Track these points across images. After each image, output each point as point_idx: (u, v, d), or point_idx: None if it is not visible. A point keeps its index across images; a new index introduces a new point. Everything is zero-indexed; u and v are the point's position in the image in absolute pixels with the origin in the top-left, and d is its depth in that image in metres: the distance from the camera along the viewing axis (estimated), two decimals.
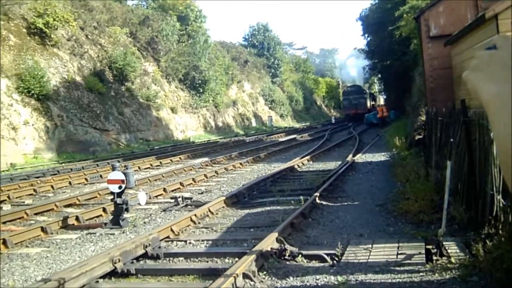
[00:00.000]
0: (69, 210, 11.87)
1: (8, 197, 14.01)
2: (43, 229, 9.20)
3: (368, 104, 64.78)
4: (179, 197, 11.56)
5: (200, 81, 49.52)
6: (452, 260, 5.99)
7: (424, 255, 6.29)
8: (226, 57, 63.19)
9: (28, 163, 24.73)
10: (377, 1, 42.34)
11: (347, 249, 6.80)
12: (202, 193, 13.20)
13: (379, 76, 63.60)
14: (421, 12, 14.35)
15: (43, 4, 31.72)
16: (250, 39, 79.48)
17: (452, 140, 7.51)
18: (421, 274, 5.74)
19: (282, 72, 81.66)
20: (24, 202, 13.64)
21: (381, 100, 77.95)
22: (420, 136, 15.62)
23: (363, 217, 9.02)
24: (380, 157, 19.04)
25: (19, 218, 10.93)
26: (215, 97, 53.27)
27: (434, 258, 6.18)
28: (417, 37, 19.04)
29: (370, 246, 6.89)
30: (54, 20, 31.71)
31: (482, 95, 0.88)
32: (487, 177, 6.53)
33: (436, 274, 5.68)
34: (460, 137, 7.88)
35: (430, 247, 6.46)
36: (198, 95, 50.00)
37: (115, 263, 6.39)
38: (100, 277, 6.17)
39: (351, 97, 62.80)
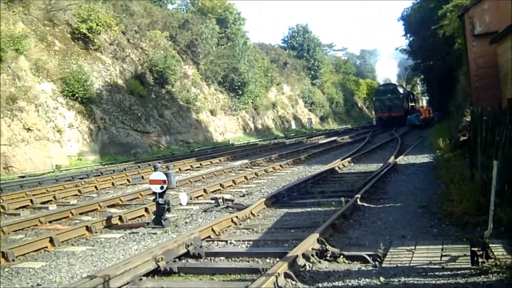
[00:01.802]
0: (113, 210, 12.10)
1: (54, 197, 14.39)
2: (87, 228, 9.41)
3: (405, 106, 55.95)
4: (220, 198, 11.62)
5: (239, 83, 49.77)
6: (499, 262, 5.82)
7: (469, 257, 6.13)
8: (265, 59, 63.30)
9: (72, 164, 25.33)
10: (419, 0, 41.69)
11: (390, 250, 6.70)
12: (243, 195, 13.19)
13: (422, 76, 62.12)
14: (465, 9, 14.04)
15: (86, 10, 32.48)
16: (289, 41, 79.34)
17: (498, 139, 7.31)
18: (466, 276, 5.59)
19: (322, 74, 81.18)
20: (69, 202, 13.97)
21: (423, 101, 75.03)
22: (465, 137, 15.26)
23: (405, 219, 8.86)
24: (423, 159, 18.70)
25: (65, 218, 11.22)
26: (254, 99, 53.40)
27: (480, 260, 6.01)
28: (461, 36, 18.62)
29: (413, 247, 6.77)
30: (97, 25, 32.41)
31: None
32: None
33: (482, 277, 5.53)
34: (506, 137, 7.66)
35: (475, 249, 6.27)
36: (237, 97, 50.25)
37: (158, 261, 6.48)
38: (144, 275, 6.27)
39: (384, 97, 54.00)
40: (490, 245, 6.29)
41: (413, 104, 62.68)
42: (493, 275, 5.53)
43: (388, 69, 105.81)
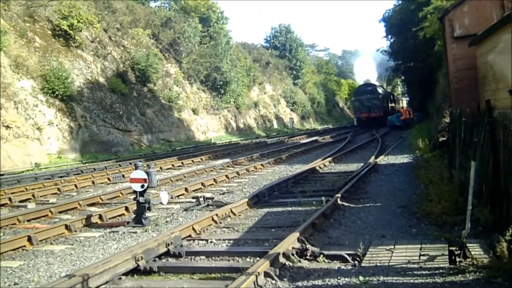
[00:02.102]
0: (93, 209, 12.00)
1: (33, 195, 14.24)
2: (67, 227, 9.32)
3: (385, 106, 55.02)
4: (201, 197, 11.60)
5: (221, 83, 49.69)
6: (476, 261, 5.90)
7: (447, 257, 6.21)
8: (247, 58, 63.35)
9: (52, 162, 25.07)
10: (400, 2, 42.05)
11: (369, 249, 6.76)
12: (223, 193, 13.22)
13: (402, 78, 62.47)
14: (445, 12, 14.20)
15: (68, 7, 32.18)
16: (272, 41, 79.53)
17: (476, 140, 7.41)
18: (444, 275, 5.66)
19: (304, 74, 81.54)
20: (48, 200, 13.82)
21: (404, 102, 75.47)
22: (444, 138, 15.44)
23: (385, 218, 8.95)
24: (403, 159, 18.88)
25: (44, 216, 11.12)
26: (236, 98, 53.37)
27: (458, 259, 6.09)
28: (441, 38, 18.83)
29: (392, 247, 6.83)
30: (78, 22, 32.16)
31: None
32: None
33: (460, 276, 5.61)
34: (484, 138, 7.77)
35: (453, 248, 6.37)
36: (219, 96, 50.16)
37: (138, 260, 6.45)
38: (123, 274, 6.23)
39: (364, 97, 53.28)
40: (468, 244, 6.39)
41: (393, 104, 62.03)
42: (470, 274, 5.61)
43: (366, 69, 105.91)
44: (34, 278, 6.58)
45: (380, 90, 56.04)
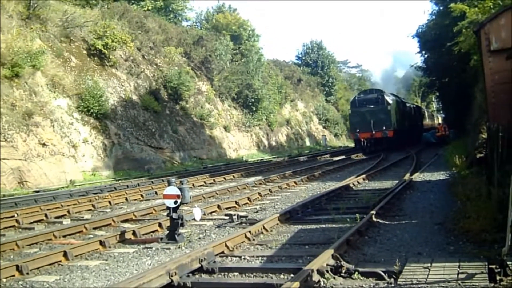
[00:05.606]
0: (126, 225, 12.09)
1: (68, 212, 14.44)
2: (101, 243, 9.41)
3: (400, 123, 40.36)
4: (234, 215, 11.55)
5: (253, 100, 49.83)
6: None
7: (487, 275, 6.01)
8: (279, 75, 63.46)
9: (86, 179, 25.43)
10: (434, 17, 41.53)
11: (405, 267, 6.60)
12: (257, 211, 13.13)
13: (437, 94, 61.43)
14: (481, 25, 13.91)
15: (102, 27, 32.94)
16: (303, 58, 79.57)
17: None
18: None
19: (337, 91, 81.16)
20: (83, 217, 13.99)
21: (439, 118, 73.61)
22: (481, 155, 15.08)
23: (421, 236, 8.75)
24: (439, 176, 18.53)
25: (79, 232, 11.24)
26: (268, 116, 53.39)
27: (498, 277, 5.90)
28: (477, 53, 18.48)
29: (429, 264, 6.66)
30: (112, 41, 32.85)
31: None
32: None
33: None
34: None
35: (493, 266, 6.17)
36: (251, 113, 50.28)
37: (172, 276, 6.44)
38: None
39: (364, 109, 38.32)
40: (508, 262, 6.17)
41: (416, 121, 50.09)
42: None
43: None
44: None
45: (389, 100, 39.71)
